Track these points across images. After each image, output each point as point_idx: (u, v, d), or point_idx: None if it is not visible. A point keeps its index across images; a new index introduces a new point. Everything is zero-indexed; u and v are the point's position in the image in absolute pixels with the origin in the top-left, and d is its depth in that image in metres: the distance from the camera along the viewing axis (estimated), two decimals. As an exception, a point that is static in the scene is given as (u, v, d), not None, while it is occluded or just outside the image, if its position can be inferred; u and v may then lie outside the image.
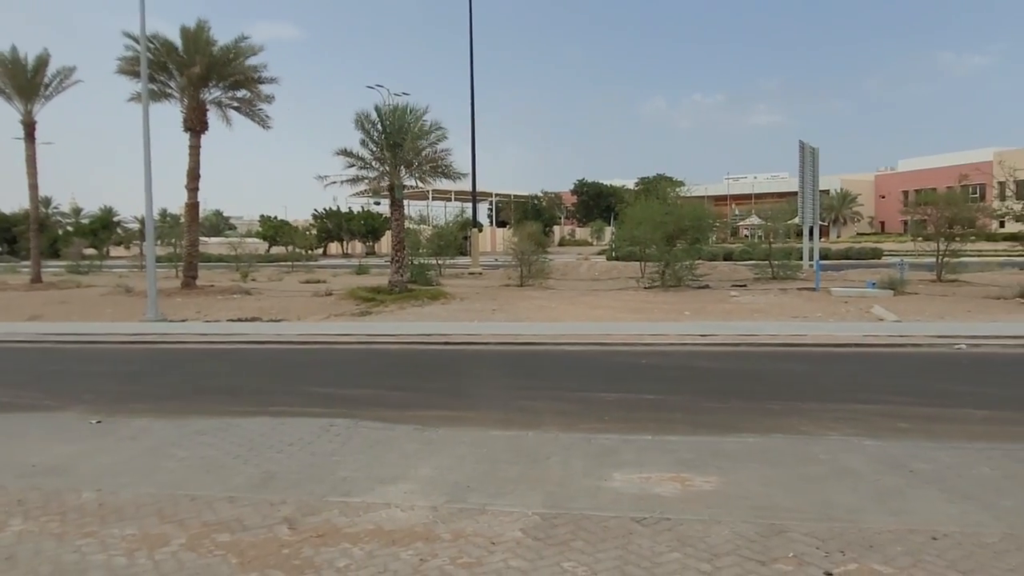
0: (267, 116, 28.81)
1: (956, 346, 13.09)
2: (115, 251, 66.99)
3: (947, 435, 7.48)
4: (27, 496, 6.02)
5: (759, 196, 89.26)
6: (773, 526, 5.11)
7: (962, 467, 6.36)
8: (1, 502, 5.90)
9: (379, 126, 23.30)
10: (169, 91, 27.26)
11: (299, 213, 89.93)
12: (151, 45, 25.23)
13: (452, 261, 36.59)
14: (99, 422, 8.54)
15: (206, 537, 5.11)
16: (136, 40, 23.72)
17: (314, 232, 66.37)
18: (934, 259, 25.67)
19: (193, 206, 27.92)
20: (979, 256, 32.03)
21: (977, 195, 45.22)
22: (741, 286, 25.67)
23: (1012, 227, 24.39)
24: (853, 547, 4.75)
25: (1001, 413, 8.49)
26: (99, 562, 4.77)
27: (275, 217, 79.08)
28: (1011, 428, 7.79)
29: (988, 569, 4.44)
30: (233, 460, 6.92)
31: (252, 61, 27.73)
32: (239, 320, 18.81)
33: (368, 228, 71.31)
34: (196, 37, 26.75)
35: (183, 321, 18.94)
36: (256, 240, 68.79)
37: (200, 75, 26.48)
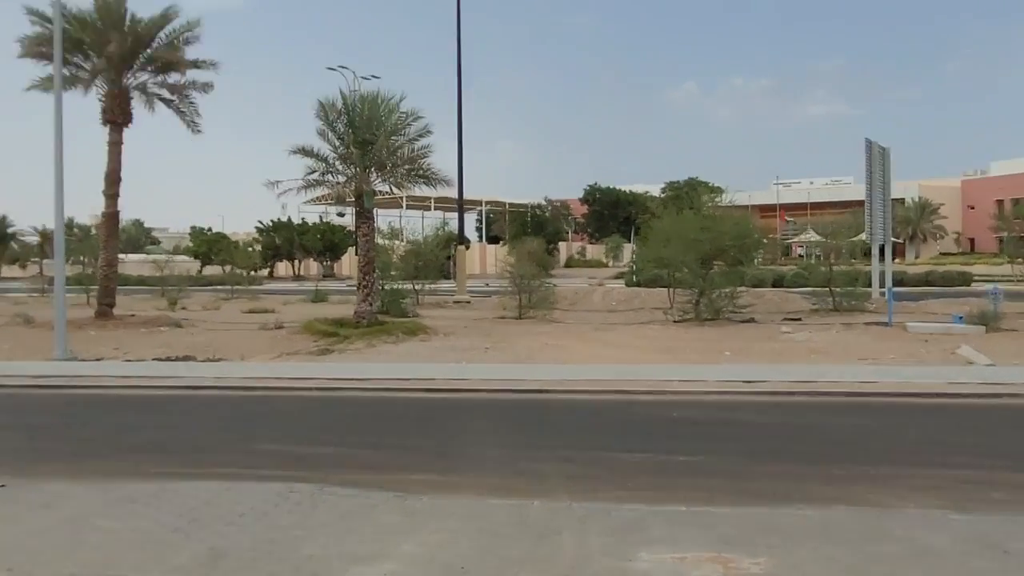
0: (198, 115, 29.13)
1: (1061, 397, 13.32)
2: (8, 271, 67.14)
3: (1050, 507, 7.69)
4: (-78, 577, 6.17)
5: (816, 206, 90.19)
6: (836, 617, 5.30)
7: (1067, 546, 6.56)
8: None
9: (345, 118, 23.59)
10: (82, 75, 27.52)
11: (239, 225, 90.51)
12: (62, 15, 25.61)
13: (433, 286, 36.72)
14: (3, 487, 8.69)
15: (145, 628, 5.28)
16: (42, 17, 24.08)
17: (258, 248, 66.71)
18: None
19: (112, 216, 28.03)
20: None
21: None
22: (795, 320, 25.93)
23: None
24: (933, 642, 4.95)
25: (1116, 480, 8.70)
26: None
27: (209, 229, 79.66)
28: None
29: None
30: (173, 534, 7.08)
31: (187, 38, 28.06)
32: (168, 359, 18.97)
33: (326, 244, 71.73)
34: (116, 9, 27.07)
35: (98, 360, 19.08)
36: (186, 258, 69.18)
37: (122, 55, 26.81)
